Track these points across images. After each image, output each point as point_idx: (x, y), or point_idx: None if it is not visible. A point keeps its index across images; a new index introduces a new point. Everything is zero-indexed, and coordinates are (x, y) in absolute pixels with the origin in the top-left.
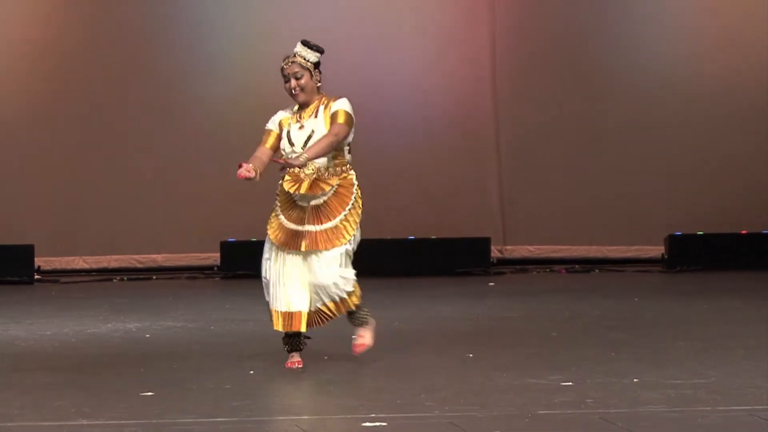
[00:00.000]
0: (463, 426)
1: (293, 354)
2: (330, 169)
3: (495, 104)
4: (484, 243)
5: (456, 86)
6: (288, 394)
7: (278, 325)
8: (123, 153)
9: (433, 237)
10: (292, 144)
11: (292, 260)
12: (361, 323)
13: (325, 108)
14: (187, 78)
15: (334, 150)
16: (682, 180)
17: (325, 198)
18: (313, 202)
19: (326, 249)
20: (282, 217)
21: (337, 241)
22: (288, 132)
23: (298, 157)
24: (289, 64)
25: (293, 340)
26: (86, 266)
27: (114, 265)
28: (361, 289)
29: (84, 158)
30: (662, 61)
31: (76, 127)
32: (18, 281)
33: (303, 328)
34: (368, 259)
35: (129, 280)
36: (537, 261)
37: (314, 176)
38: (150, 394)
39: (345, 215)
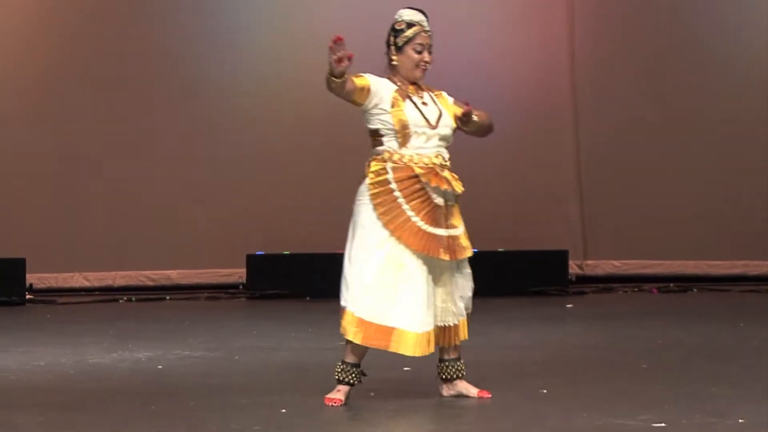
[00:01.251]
0: None
1: (340, 388)
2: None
3: (574, 94)
4: (560, 257)
5: (529, 73)
6: None
7: (412, 348)
8: (132, 152)
9: (500, 250)
10: (426, 118)
11: (420, 268)
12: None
13: (436, 96)
14: (204, 72)
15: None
16: None
17: (456, 198)
18: (450, 201)
19: (461, 257)
20: (416, 218)
21: (469, 249)
22: (414, 105)
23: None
24: (428, 35)
25: (351, 370)
26: (87, 284)
27: (120, 282)
28: None
29: (86, 157)
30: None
31: (77, 123)
32: (7, 302)
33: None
34: None
35: (138, 300)
36: (624, 278)
37: (447, 168)
38: None
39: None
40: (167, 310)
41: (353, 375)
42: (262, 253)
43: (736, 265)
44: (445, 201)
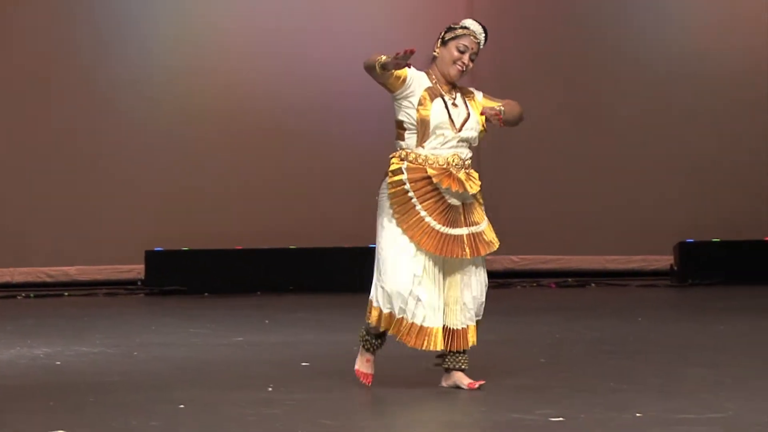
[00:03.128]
0: None
1: (369, 357)
2: (471, 161)
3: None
4: None
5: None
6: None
7: (437, 344)
8: (30, 146)
9: None
10: (451, 120)
11: (433, 270)
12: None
13: (467, 97)
14: (111, 68)
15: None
16: (695, 179)
17: (476, 196)
18: (468, 200)
19: (485, 253)
20: (429, 218)
21: (494, 243)
22: (445, 104)
23: (498, 111)
24: (474, 40)
25: (378, 337)
26: None
27: (18, 279)
28: (306, 307)
29: None
30: (668, 50)
31: None
32: None
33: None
34: (315, 272)
35: (36, 296)
36: (522, 273)
37: (464, 169)
38: None
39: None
40: (66, 306)
41: (379, 342)
42: (161, 249)
43: (634, 260)
44: (463, 200)
